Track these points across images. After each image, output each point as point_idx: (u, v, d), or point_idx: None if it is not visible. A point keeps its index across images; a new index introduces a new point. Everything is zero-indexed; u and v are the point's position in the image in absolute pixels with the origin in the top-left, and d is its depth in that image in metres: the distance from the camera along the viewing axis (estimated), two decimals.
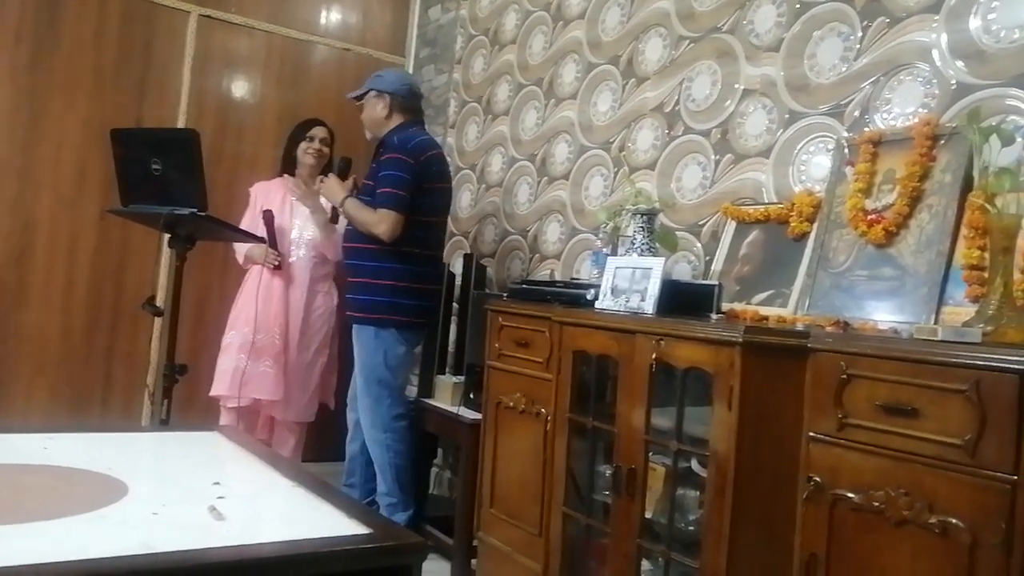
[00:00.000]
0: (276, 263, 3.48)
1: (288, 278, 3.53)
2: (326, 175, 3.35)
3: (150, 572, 1.11)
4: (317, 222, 3.55)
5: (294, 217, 3.59)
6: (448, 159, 4.19)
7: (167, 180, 2.80)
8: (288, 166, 3.71)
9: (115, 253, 3.85)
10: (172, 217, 2.79)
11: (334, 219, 3.41)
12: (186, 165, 2.79)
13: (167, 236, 2.95)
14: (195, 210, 2.78)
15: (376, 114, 3.34)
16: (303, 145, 3.66)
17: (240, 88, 4.19)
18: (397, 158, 3.15)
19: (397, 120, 3.34)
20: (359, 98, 3.41)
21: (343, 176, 3.33)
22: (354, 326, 3.28)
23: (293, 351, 3.48)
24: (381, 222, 3.11)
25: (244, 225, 3.54)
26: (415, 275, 3.23)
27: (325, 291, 3.62)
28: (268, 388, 3.42)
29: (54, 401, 3.74)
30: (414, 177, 3.14)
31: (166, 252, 3.78)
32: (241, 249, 3.60)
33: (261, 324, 3.43)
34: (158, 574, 1.12)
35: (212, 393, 3.46)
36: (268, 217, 3.49)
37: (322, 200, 3.54)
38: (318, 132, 3.68)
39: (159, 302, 3.13)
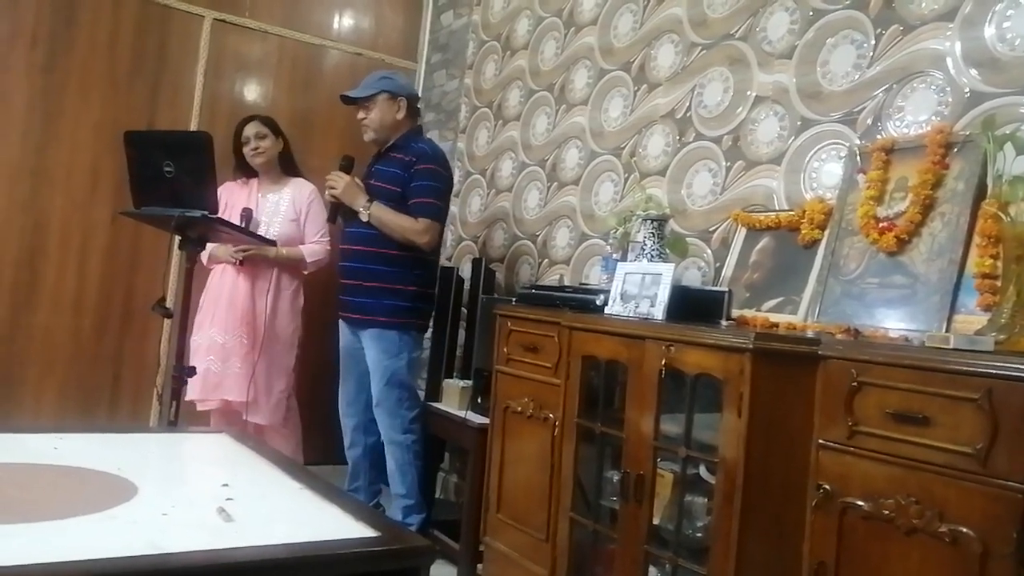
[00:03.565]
0: (240, 258, 3.41)
1: (255, 277, 3.46)
2: (341, 170, 3.29)
3: (159, 573, 1.12)
4: (287, 217, 3.54)
5: (259, 215, 3.55)
6: (458, 164, 4.23)
7: (179, 182, 2.81)
8: (245, 169, 3.64)
9: (126, 255, 3.87)
10: (184, 219, 2.80)
11: (332, 218, 3.37)
12: (198, 168, 2.80)
13: (178, 238, 2.96)
14: (207, 212, 2.79)
15: (392, 117, 3.33)
16: (245, 150, 3.58)
17: (252, 92, 4.21)
18: (435, 169, 3.23)
19: (409, 124, 3.36)
20: (365, 99, 3.34)
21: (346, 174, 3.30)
22: (371, 330, 3.25)
23: (260, 352, 3.41)
24: (426, 232, 3.18)
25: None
26: (428, 280, 3.32)
27: (292, 290, 3.56)
28: (238, 389, 3.36)
29: (63, 401, 3.75)
30: (447, 188, 3.28)
31: (177, 254, 3.79)
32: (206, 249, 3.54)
33: (229, 325, 3.40)
34: (167, 575, 1.12)
35: (187, 397, 3.41)
36: (247, 214, 3.46)
37: (283, 197, 3.53)
38: (248, 131, 3.58)
39: (169, 304, 3.13)
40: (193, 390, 3.38)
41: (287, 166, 3.67)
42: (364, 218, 3.21)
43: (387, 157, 3.33)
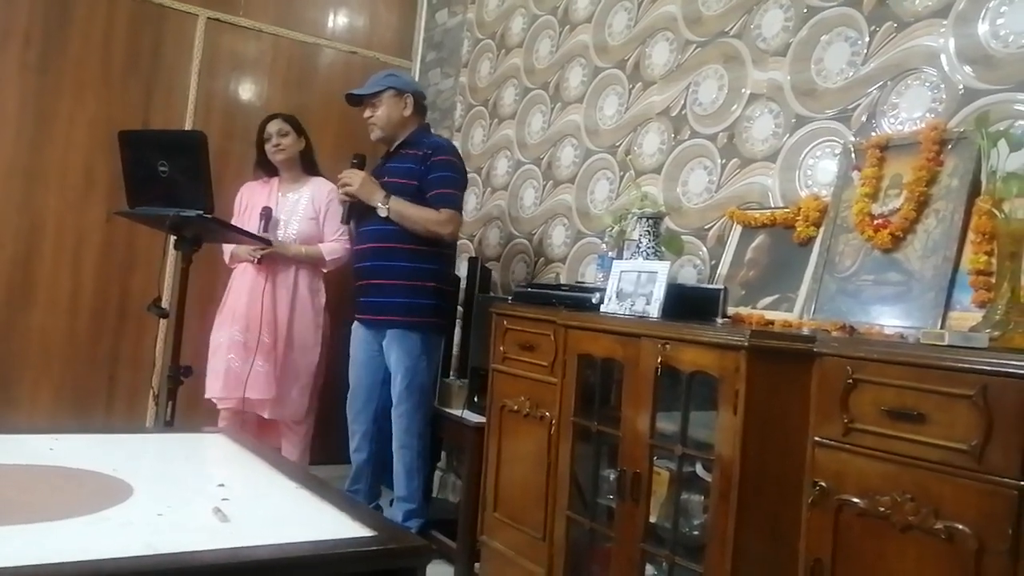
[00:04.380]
0: (258, 256, 3.41)
1: (274, 275, 3.46)
2: (354, 168, 3.26)
3: (155, 573, 1.11)
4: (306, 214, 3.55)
5: (279, 214, 3.55)
6: None
7: (174, 182, 2.81)
8: (267, 167, 3.65)
9: (121, 255, 3.86)
10: (178, 219, 2.80)
11: (346, 219, 3.34)
12: (193, 167, 2.80)
13: (173, 238, 2.96)
14: (201, 212, 2.78)
15: (400, 113, 3.30)
16: (267, 147, 3.59)
17: (247, 91, 4.20)
18: (452, 161, 3.22)
19: (416, 121, 3.34)
20: (371, 96, 3.32)
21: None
22: (393, 330, 3.20)
23: (282, 348, 3.43)
24: (449, 222, 3.15)
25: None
26: (447, 276, 3.29)
27: (314, 289, 3.56)
28: (260, 387, 3.36)
29: (59, 402, 3.74)
30: (464, 182, 3.27)
31: (172, 254, 3.78)
32: (228, 249, 3.56)
33: (250, 323, 3.40)
34: (162, 575, 1.12)
35: (208, 395, 3.43)
36: (266, 212, 3.47)
37: (303, 196, 3.54)
38: (271, 128, 3.59)
39: (164, 304, 3.13)
40: (213, 388, 3.42)
41: (308, 165, 3.67)
42: (383, 214, 3.14)
43: (399, 154, 3.29)
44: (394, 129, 3.31)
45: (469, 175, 4.11)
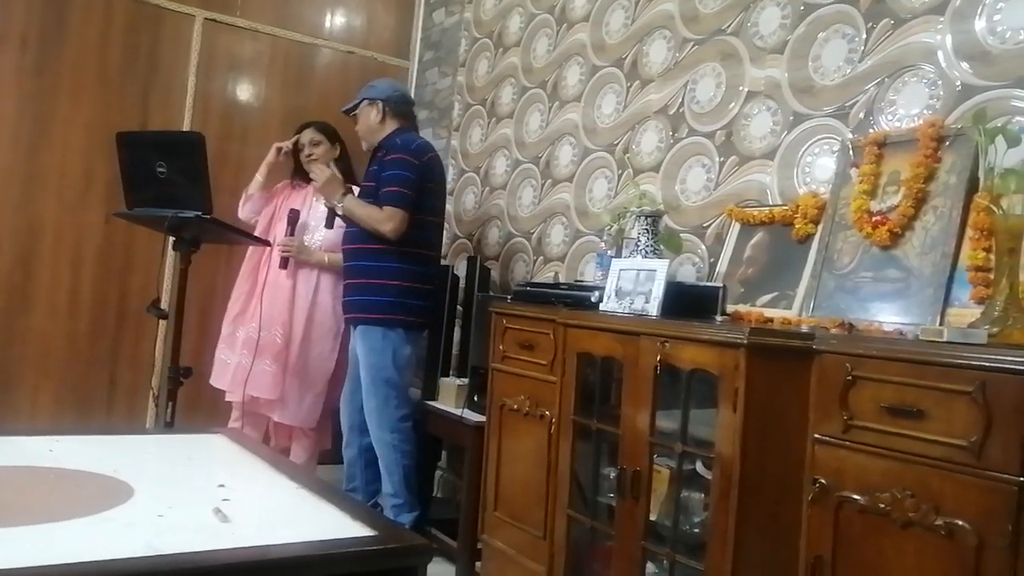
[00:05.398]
0: (285, 255, 3.44)
1: (295, 277, 3.49)
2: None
3: (156, 574, 1.12)
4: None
5: (309, 219, 3.58)
6: (452, 162, 4.23)
7: (172, 183, 2.81)
8: (303, 173, 3.65)
9: (120, 256, 3.86)
10: (177, 220, 2.80)
11: (329, 223, 3.38)
12: (191, 168, 2.80)
13: (172, 239, 2.96)
14: (200, 213, 2.78)
15: (370, 121, 3.38)
16: (300, 156, 3.64)
17: (245, 91, 4.20)
18: (402, 158, 3.20)
19: (392, 126, 3.38)
20: (352, 110, 3.43)
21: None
22: (359, 327, 3.25)
23: (295, 352, 3.44)
24: (389, 220, 3.14)
25: (256, 199, 3.60)
26: (420, 275, 3.26)
27: (337, 295, 3.55)
28: (266, 387, 3.37)
29: (59, 404, 3.75)
30: (418, 177, 3.20)
31: (171, 255, 3.77)
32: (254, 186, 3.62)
33: (265, 322, 3.42)
34: None
35: (213, 383, 3.46)
36: (293, 216, 3.49)
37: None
38: (304, 137, 3.63)
39: (164, 305, 3.13)
40: (223, 380, 3.46)
41: (341, 173, 3.65)
42: (339, 212, 3.26)
43: (373, 157, 3.38)
44: (373, 136, 3.40)
45: (467, 174, 4.13)
